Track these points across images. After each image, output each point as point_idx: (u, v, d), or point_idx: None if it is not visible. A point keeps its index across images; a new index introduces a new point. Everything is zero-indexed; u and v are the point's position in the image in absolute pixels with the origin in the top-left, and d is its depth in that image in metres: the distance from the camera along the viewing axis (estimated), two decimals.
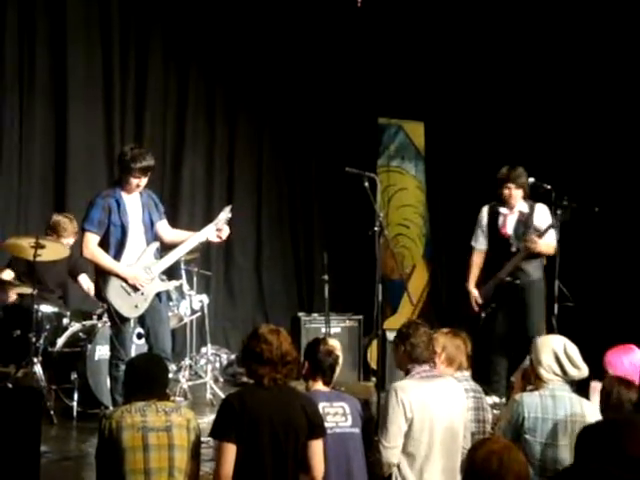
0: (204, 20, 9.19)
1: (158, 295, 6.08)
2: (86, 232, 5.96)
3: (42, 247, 6.39)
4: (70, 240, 6.99)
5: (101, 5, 8.63)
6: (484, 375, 6.49)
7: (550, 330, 6.49)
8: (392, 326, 8.40)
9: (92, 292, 7.04)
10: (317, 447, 3.88)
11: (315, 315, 8.13)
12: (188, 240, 6.16)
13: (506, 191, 6.79)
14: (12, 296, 6.88)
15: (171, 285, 6.50)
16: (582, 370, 4.28)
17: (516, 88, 9.19)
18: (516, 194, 6.79)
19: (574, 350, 4.28)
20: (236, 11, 9.34)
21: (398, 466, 4.23)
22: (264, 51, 9.53)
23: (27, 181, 8.29)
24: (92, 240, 5.94)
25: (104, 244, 5.95)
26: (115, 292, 5.92)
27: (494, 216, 6.91)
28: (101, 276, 6.00)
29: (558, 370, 4.23)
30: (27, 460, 4.24)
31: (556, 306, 6.54)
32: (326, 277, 7.23)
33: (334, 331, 7.55)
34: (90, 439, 5.82)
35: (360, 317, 8.14)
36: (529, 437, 4.09)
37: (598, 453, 3.10)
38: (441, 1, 9.53)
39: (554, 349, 4.26)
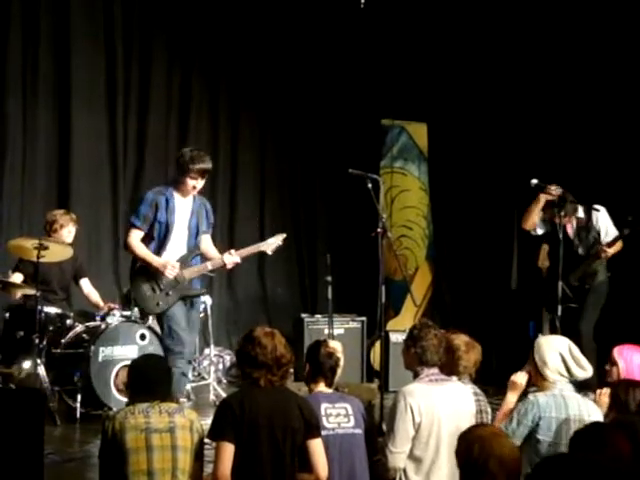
0: (208, 23, 9.21)
1: (192, 303, 6.18)
2: (131, 226, 6.11)
3: (45, 248, 6.40)
4: (72, 229, 7.01)
5: (105, 7, 8.65)
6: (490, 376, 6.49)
7: (553, 331, 6.50)
8: (395, 327, 8.44)
9: (92, 297, 7.17)
10: (317, 446, 3.89)
11: (318, 316, 8.11)
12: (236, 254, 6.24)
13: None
14: (18, 294, 6.90)
15: (198, 292, 6.41)
16: (587, 370, 4.30)
17: (519, 89, 9.18)
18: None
19: (578, 351, 4.31)
20: (239, 14, 9.36)
21: (404, 470, 4.22)
22: (267, 53, 9.54)
23: (30, 183, 8.30)
24: (135, 235, 6.08)
25: (147, 240, 6.07)
26: (144, 288, 6.05)
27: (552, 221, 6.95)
28: (134, 274, 6.15)
29: (564, 371, 4.26)
30: (31, 461, 4.23)
31: (560, 307, 6.56)
32: (329, 278, 7.23)
33: (337, 332, 7.54)
34: (93, 440, 5.80)
35: (363, 318, 8.13)
36: (541, 437, 4.11)
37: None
38: (444, 3, 9.53)
39: (560, 351, 4.29)
